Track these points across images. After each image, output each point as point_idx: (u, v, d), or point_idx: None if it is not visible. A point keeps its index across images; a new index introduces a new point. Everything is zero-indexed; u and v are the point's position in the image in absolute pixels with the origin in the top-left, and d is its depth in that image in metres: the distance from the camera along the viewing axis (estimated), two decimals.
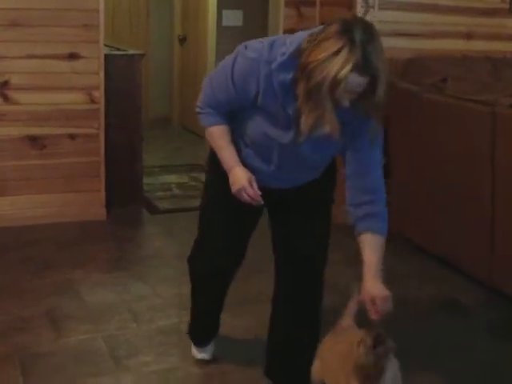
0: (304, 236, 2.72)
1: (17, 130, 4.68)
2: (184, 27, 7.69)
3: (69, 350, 3.24)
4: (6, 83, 4.58)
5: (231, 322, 3.55)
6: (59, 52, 4.65)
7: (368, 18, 4.90)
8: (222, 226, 2.78)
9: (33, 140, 4.72)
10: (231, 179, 2.53)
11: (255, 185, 2.50)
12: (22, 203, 4.77)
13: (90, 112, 4.81)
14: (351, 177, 2.49)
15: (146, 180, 5.52)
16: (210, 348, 3.18)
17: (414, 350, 3.37)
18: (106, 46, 4.95)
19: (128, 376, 3.03)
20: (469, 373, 3.22)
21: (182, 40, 7.90)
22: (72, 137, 4.79)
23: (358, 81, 2.18)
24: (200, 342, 3.16)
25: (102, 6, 4.67)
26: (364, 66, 2.15)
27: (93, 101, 4.78)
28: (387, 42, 4.94)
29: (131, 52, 5.35)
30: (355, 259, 4.48)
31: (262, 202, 2.52)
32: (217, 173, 2.64)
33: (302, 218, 2.71)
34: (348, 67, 2.14)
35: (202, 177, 6.21)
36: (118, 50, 5.46)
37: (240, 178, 2.51)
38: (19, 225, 4.70)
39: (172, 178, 6.06)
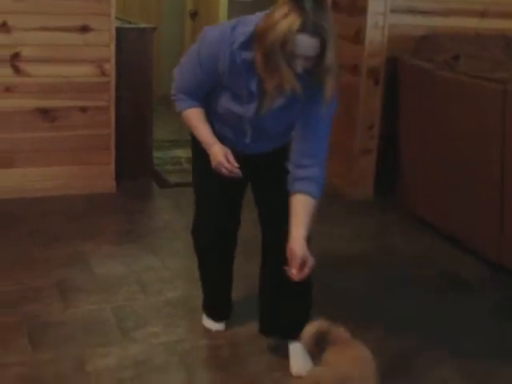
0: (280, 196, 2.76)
1: (28, 103, 4.67)
2: (195, 2, 7.65)
3: (77, 320, 3.26)
4: (17, 55, 4.57)
5: (238, 295, 3.57)
6: (71, 24, 4.63)
7: None
8: (213, 195, 2.92)
9: (43, 112, 4.72)
10: (210, 156, 2.68)
11: (231, 158, 2.63)
12: (32, 175, 4.78)
13: (100, 85, 4.80)
14: (298, 140, 2.63)
15: (155, 154, 5.52)
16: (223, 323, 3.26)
17: (422, 327, 3.39)
18: (117, 19, 4.93)
19: (136, 347, 3.05)
20: (477, 350, 3.23)
21: (194, 15, 7.85)
22: (83, 109, 4.79)
23: (306, 42, 2.33)
24: (212, 316, 3.25)
25: None
26: (312, 26, 2.30)
27: (104, 73, 4.77)
28: (401, 19, 4.99)
29: (143, 25, 5.33)
30: (362, 235, 4.54)
31: (241, 174, 2.65)
32: (200, 149, 2.76)
33: (277, 182, 2.77)
34: (295, 27, 2.30)
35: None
36: (130, 23, 5.44)
37: (217, 154, 2.65)
38: (29, 196, 4.71)
39: (182, 153, 6.05)
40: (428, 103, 4.51)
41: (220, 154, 2.65)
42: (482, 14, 5.29)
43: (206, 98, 2.72)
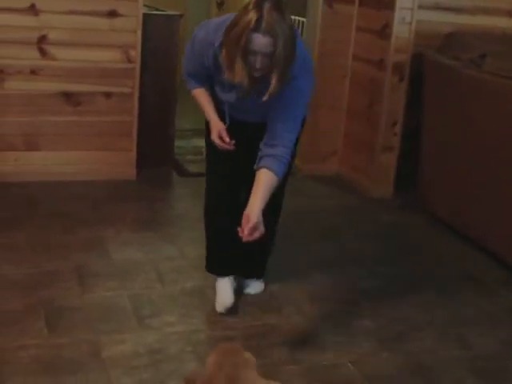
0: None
1: (52, 86, 4.70)
2: None
3: (94, 305, 3.28)
4: (44, 38, 4.59)
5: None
6: (99, 9, 4.65)
7: None
8: (223, 177, 3.30)
9: (68, 96, 4.74)
10: (211, 128, 3.12)
11: (224, 134, 3.07)
12: (54, 159, 4.81)
13: (125, 71, 4.81)
14: (270, 121, 2.94)
15: (177, 143, 5.53)
16: (230, 287, 3.41)
17: (439, 327, 3.39)
18: (145, 6, 4.94)
19: (150, 335, 3.07)
20: (493, 352, 3.22)
21: (220, 4, 7.86)
22: (107, 95, 4.81)
23: (260, 40, 2.66)
24: (219, 271, 3.45)
25: None
26: (265, 27, 2.63)
27: (129, 60, 4.78)
28: (428, 16, 4.96)
29: (170, 12, 5.34)
30: (386, 233, 4.53)
31: (232, 147, 3.06)
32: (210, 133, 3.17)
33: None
34: (251, 25, 2.64)
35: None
36: (157, 10, 5.44)
37: (213, 130, 3.11)
38: (51, 180, 4.74)
39: (203, 142, 6.04)
40: (453, 102, 4.48)
41: (215, 131, 3.09)
42: (510, 14, 5.25)
43: (207, 81, 3.10)
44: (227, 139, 3.06)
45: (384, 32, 4.99)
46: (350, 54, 5.41)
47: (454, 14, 5.08)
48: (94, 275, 3.56)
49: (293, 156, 3.02)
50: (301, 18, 6.06)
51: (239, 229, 2.76)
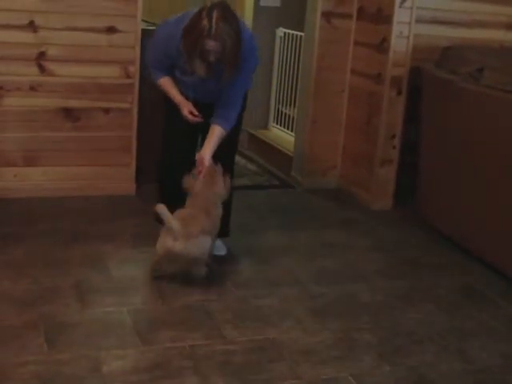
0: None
1: (52, 102, 4.71)
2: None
3: (94, 321, 3.27)
4: (43, 54, 4.61)
5: (255, 303, 3.58)
6: (97, 25, 4.66)
7: (407, 3, 4.87)
8: (179, 132, 3.95)
9: (67, 112, 4.75)
10: (181, 107, 3.79)
11: (193, 110, 3.77)
12: (53, 174, 4.81)
13: (124, 86, 4.83)
14: (224, 91, 3.72)
15: None
16: None
17: (440, 340, 3.38)
18: (143, 21, 4.95)
19: (151, 350, 3.06)
20: (494, 365, 3.21)
21: None
22: (106, 110, 4.82)
23: (211, 44, 3.43)
24: None
25: None
26: (215, 34, 3.40)
27: (128, 75, 4.80)
28: (426, 29, 4.99)
29: None
30: (386, 246, 4.53)
31: (201, 120, 3.77)
32: (169, 103, 3.87)
33: None
34: (204, 34, 3.40)
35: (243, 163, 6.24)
36: (155, 25, 5.44)
37: (183, 109, 3.78)
38: (50, 195, 4.75)
39: None
40: (451, 115, 4.49)
41: (185, 110, 3.77)
42: (507, 27, 5.27)
43: (170, 70, 3.79)
44: (196, 113, 3.76)
45: (382, 46, 5.01)
46: (348, 68, 5.43)
47: (452, 28, 5.10)
48: (94, 291, 3.56)
49: (242, 110, 3.90)
50: (299, 33, 6.08)
51: (197, 169, 3.68)
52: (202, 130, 3.89)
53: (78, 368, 2.88)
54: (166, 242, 3.54)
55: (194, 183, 3.73)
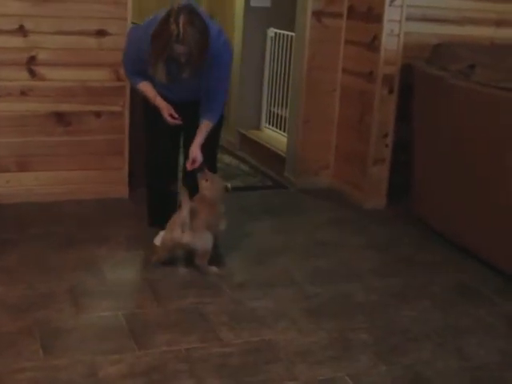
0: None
1: (43, 106, 4.70)
2: (212, 8, 7.66)
3: (89, 326, 3.27)
4: (33, 58, 4.59)
5: (250, 304, 3.57)
6: (87, 28, 4.65)
7: (397, 2, 4.88)
8: (160, 134, 4.09)
9: (58, 116, 4.74)
10: (161, 110, 3.90)
11: (173, 113, 3.89)
12: (46, 179, 4.80)
13: (115, 90, 4.82)
14: (206, 87, 3.86)
15: None
16: None
17: (435, 338, 3.38)
18: (133, 23, 4.94)
19: (147, 354, 3.05)
20: (491, 362, 3.21)
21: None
22: (97, 114, 4.81)
23: (179, 48, 3.55)
24: (163, 225, 3.98)
25: None
26: (182, 39, 3.51)
27: (119, 78, 4.78)
28: (416, 27, 4.99)
29: None
30: (380, 245, 4.53)
31: (181, 122, 3.90)
32: (149, 106, 3.98)
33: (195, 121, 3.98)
34: (172, 39, 3.52)
35: (225, 158, 6.25)
36: None
37: (164, 111, 3.89)
38: (43, 200, 4.73)
39: None
40: (443, 112, 4.49)
41: (166, 113, 3.88)
42: (498, 23, 5.28)
43: (145, 73, 3.81)
44: (176, 115, 3.89)
45: (373, 44, 5.01)
46: (340, 67, 5.43)
47: (442, 25, 5.11)
48: (89, 295, 3.55)
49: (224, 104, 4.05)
50: (289, 33, 6.08)
51: (186, 164, 3.90)
52: (184, 130, 4.05)
53: (75, 373, 2.88)
54: (174, 233, 3.77)
55: (200, 184, 3.96)
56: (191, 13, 3.57)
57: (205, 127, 3.93)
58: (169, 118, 3.89)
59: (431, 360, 3.19)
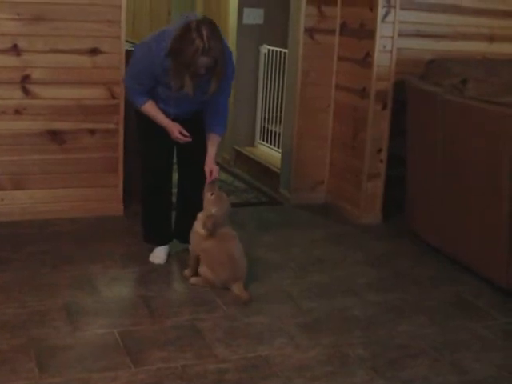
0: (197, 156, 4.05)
1: (37, 125, 4.70)
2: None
3: (85, 343, 3.25)
4: (27, 77, 4.60)
5: (246, 320, 3.56)
6: (81, 47, 4.66)
7: (389, 18, 4.90)
8: (156, 148, 4.10)
9: (53, 134, 4.74)
10: (169, 130, 3.92)
11: (183, 130, 3.91)
12: (41, 197, 4.79)
13: (109, 107, 4.82)
14: (208, 107, 3.94)
15: None
16: (166, 252, 4.26)
17: (431, 352, 3.37)
18: (127, 41, 4.96)
19: (143, 371, 3.04)
20: (487, 376, 3.20)
21: None
22: (92, 132, 4.81)
23: (204, 60, 3.58)
24: (158, 241, 4.23)
25: (124, 2, 4.69)
26: (208, 51, 3.54)
27: (113, 96, 4.79)
28: (409, 43, 5.01)
29: None
30: (376, 260, 4.52)
31: (191, 139, 3.92)
32: (144, 119, 3.99)
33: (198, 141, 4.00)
34: (198, 53, 3.54)
35: (220, 175, 6.21)
36: None
37: (173, 131, 3.91)
38: (38, 218, 4.73)
39: None
40: (436, 128, 4.50)
41: (175, 132, 3.90)
42: (490, 38, 5.30)
43: (151, 91, 3.88)
44: (186, 133, 3.91)
45: (365, 61, 5.03)
46: (333, 83, 5.45)
47: (435, 41, 5.14)
48: (84, 313, 3.53)
49: None
50: (282, 50, 6.10)
51: (208, 177, 3.93)
52: (177, 145, 4.07)
53: None
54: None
55: (206, 196, 3.96)
56: (211, 25, 3.62)
57: (216, 140, 4.00)
58: (180, 136, 3.90)
59: (428, 375, 3.18)
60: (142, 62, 3.83)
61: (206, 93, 3.77)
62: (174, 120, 3.93)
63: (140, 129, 4.12)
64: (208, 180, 3.94)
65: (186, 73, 3.61)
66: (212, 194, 3.90)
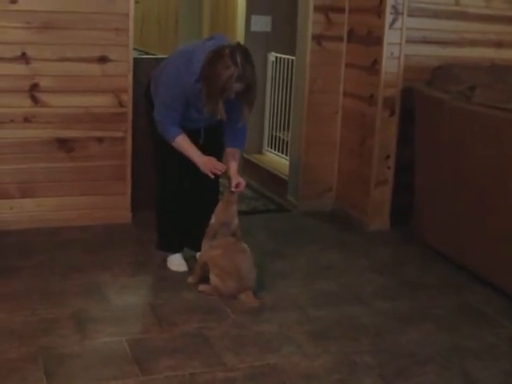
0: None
1: (46, 133, 4.72)
2: (213, 33, 7.72)
3: (93, 352, 3.26)
4: (35, 85, 4.62)
5: (254, 328, 3.56)
6: (89, 55, 4.68)
7: (397, 25, 4.91)
8: (175, 168, 4.13)
9: (61, 143, 4.76)
10: (201, 166, 3.95)
11: (217, 164, 3.94)
12: (49, 205, 4.81)
13: (118, 115, 4.84)
14: (228, 125, 3.96)
15: None
16: (182, 259, 4.29)
17: (440, 360, 3.36)
18: (135, 49, 4.97)
19: (151, 380, 3.04)
20: (495, 382, 3.20)
21: None
22: (100, 140, 4.83)
23: (238, 86, 3.65)
24: (174, 249, 4.27)
25: (131, 10, 4.71)
26: (242, 77, 3.62)
27: (121, 104, 4.81)
28: (416, 50, 5.01)
29: (160, 56, 5.37)
30: (384, 267, 4.52)
31: (224, 169, 3.97)
32: (162, 140, 3.99)
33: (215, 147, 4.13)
34: (232, 79, 3.61)
35: (225, 182, 6.23)
36: (147, 54, 5.48)
37: (206, 167, 3.94)
38: (47, 226, 4.74)
39: None
40: (444, 134, 4.50)
41: (207, 169, 3.93)
42: (498, 45, 5.30)
43: (182, 116, 3.91)
44: (219, 167, 3.94)
45: (373, 67, 5.04)
46: (341, 90, 5.45)
47: (442, 47, 5.14)
48: (93, 321, 3.54)
49: None
50: (290, 57, 6.10)
51: (235, 188, 3.98)
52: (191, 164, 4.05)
53: None
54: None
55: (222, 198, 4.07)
56: (245, 51, 3.70)
57: (238, 154, 4.08)
58: (210, 175, 3.94)
59: (437, 383, 3.17)
60: (173, 88, 3.82)
61: (239, 120, 3.86)
62: (190, 132, 3.96)
63: (155, 137, 4.09)
64: (235, 191, 4.00)
65: (219, 98, 3.66)
66: (224, 202, 3.99)
